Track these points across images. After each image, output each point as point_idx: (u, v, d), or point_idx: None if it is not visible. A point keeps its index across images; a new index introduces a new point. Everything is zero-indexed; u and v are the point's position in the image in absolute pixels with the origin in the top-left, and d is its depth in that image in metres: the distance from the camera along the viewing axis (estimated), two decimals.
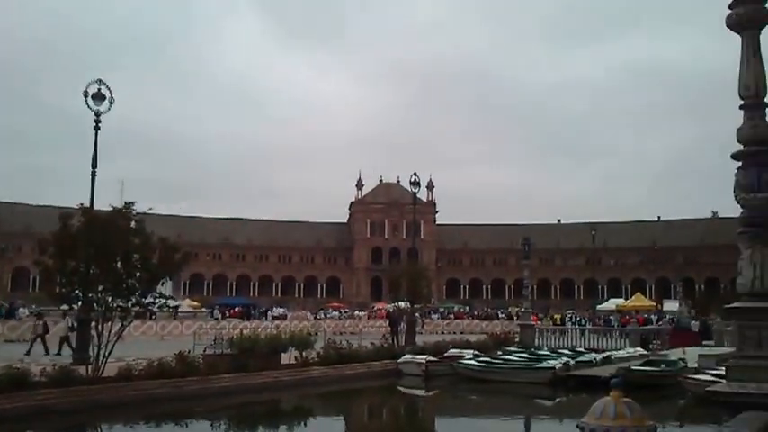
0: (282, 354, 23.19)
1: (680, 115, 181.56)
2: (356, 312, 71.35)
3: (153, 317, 38.75)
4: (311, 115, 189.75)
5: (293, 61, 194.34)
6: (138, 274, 18.20)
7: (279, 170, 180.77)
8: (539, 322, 44.63)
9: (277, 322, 48.80)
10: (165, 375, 18.67)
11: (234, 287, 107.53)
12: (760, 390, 5.01)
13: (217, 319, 53.23)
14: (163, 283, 19.76)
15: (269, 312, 67.86)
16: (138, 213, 18.85)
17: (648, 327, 39.22)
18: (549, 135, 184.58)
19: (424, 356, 26.09)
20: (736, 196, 5.41)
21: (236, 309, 70.69)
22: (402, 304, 36.50)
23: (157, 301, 19.49)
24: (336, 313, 69.94)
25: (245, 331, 27.23)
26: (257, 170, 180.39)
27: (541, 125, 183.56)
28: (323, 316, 65.26)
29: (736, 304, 5.34)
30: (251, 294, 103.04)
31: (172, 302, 32.96)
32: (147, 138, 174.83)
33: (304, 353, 23.64)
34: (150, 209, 19.51)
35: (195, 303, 65.04)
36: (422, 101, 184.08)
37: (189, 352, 20.74)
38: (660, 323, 47.02)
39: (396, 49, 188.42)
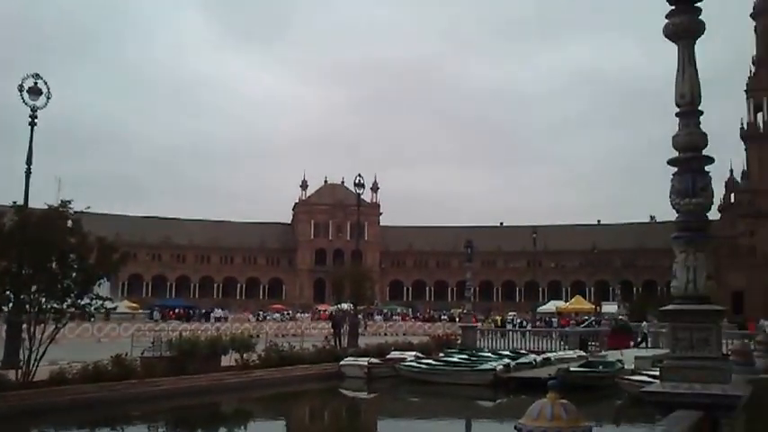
0: (223, 356, 22.89)
1: (620, 121, 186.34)
2: (299, 314, 70.96)
3: (92, 318, 37.81)
4: (255, 114, 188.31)
5: (237, 59, 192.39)
6: (73, 274, 17.69)
7: (221, 169, 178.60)
8: (479, 324, 45.15)
9: (218, 324, 48.16)
10: (100, 379, 18.18)
11: (174, 288, 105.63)
12: (691, 390, 5.15)
13: (156, 320, 52.22)
14: (100, 284, 19.26)
15: (211, 314, 66.96)
16: (74, 212, 18.34)
17: (587, 329, 40.01)
18: (493, 138, 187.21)
19: (367, 359, 26.09)
20: (671, 201, 5.55)
21: (177, 310, 69.50)
22: (345, 306, 36.46)
23: (94, 302, 18.97)
24: (279, 315, 69.42)
25: (184, 333, 26.79)
26: (199, 169, 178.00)
27: (485, 128, 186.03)
28: (265, 318, 64.68)
29: (669, 307, 5.48)
30: (191, 296, 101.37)
31: (109, 304, 32.01)
32: (87, 135, 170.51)
33: (245, 355, 23.35)
34: (87, 207, 19.02)
35: (134, 305, 63.73)
36: (367, 101, 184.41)
37: (126, 355, 20.26)
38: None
39: (340, 48, 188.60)
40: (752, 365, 7.71)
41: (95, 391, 17.74)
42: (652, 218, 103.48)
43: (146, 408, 18.70)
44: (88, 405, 17.35)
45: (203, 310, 72.60)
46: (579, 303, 66.82)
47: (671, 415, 5.01)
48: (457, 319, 57.64)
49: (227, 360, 23.04)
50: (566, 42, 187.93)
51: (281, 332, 44.65)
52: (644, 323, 38.77)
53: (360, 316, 38.65)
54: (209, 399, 20.81)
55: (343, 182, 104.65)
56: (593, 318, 54.22)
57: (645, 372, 19.83)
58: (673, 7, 5.57)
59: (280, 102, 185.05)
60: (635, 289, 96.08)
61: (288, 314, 71.99)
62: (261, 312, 72.25)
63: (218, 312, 69.43)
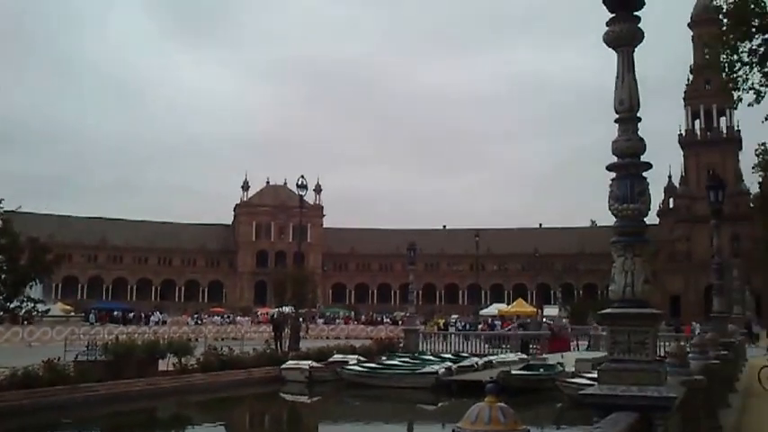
0: (161, 360, 22.41)
1: (563, 126, 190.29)
2: (239, 317, 70.09)
3: (25, 322, 36.51)
4: (196, 113, 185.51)
5: (178, 57, 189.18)
6: (2, 276, 17.09)
7: (160, 169, 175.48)
8: (422, 327, 45.29)
9: (155, 327, 47.13)
10: (31, 385, 17.56)
11: (110, 290, 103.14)
12: (628, 392, 5.22)
13: (92, 324, 50.79)
14: (32, 285, 18.68)
15: (151, 317, 65.59)
16: (5, 212, 17.73)
17: (528, 332, 40.58)
18: (437, 141, 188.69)
19: (308, 362, 25.89)
20: (610, 206, 5.61)
21: (116, 313, 67.84)
22: (286, 309, 36.14)
23: (25, 305, 18.36)
24: (219, 318, 68.42)
25: (121, 337, 26.13)
26: (137, 168, 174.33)
27: (429, 131, 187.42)
28: (204, 321, 63.67)
29: (608, 310, 5.54)
30: (128, 298, 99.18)
31: (41, 306, 30.94)
32: (21, 133, 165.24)
33: (183, 359, 22.92)
34: (19, 207, 18.43)
35: (68, 307, 61.84)
36: (311, 102, 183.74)
37: (59, 359, 19.62)
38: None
39: (285, 47, 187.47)
40: (687, 367, 7.89)
41: (25, 397, 17.12)
42: (593, 222, 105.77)
43: (79, 414, 18.15)
44: (17, 413, 16.72)
45: (142, 313, 71.02)
46: (521, 306, 67.79)
47: (608, 417, 5.08)
48: (399, 323, 57.76)
49: (166, 364, 22.56)
50: (508, 48, 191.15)
51: (221, 336, 43.98)
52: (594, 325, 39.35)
53: (301, 319, 38.35)
54: (147, 404, 20.35)
55: (285, 183, 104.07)
56: (516, 322, 55.15)
57: (585, 374, 20.16)
58: (612, 15, 5.64)
59: (222, 100, 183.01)
60: (576, 292, 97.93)
61: (228, 317, 71.03)
62: (200, 315, 71.10)
63: (157, 315, 68.06)
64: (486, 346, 34.57)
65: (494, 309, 71.93)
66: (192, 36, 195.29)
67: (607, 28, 5.60)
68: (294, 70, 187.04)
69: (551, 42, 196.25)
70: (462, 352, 31.96)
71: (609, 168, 5.56)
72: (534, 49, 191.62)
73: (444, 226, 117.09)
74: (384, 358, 28.39)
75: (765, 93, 16.92)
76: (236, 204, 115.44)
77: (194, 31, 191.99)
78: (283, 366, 25.64)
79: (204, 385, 22.56)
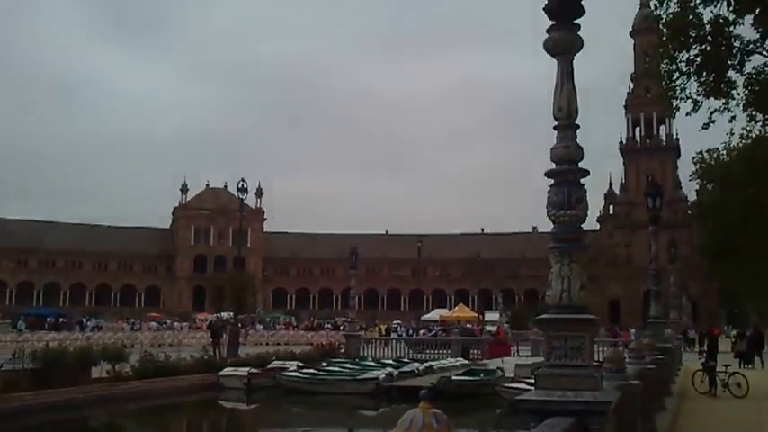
0: (94, 367, 21.73)
1: (505, 132, 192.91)
2: (176, 323, 68.74)
3: None
4: (132, 113, 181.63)
5: (112, 56, 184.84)
6: None
7: (95, 170, 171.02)
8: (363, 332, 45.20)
9: (89, 334, 45.83)
10: None
11: (41, 296, 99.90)
12: (564, 397, 5.24)
13: (20, 330, 49.03)
14: None
15: (87, 323, 63.79)
16: None
17: (469, 337, 40.89)
18: (379, 145, 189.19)
19: (247, 369, 25.49)
20: (548, 212, 5.64)
21: (49, 319, 65.65)
22: (225, 314, 35.61)
23: None
24: (155, 324, 66.97)
25: (51, 344, 25.28)
26: (70, 169, 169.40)
27: (371, 135, 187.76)
28: (140, 327, 62.23)
29: (545, 316, 5.57)
30: (61, 304, 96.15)
31: None
32: None
33: (117, 366, 22.26)
34: None
35: None
36: (252, 104, 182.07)
37: None
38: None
39: (227, 48, 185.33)
40: (623, 372, 8.01)
41: None
42: (534, 228, 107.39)
43: (4, 426, 17.42)
44: None
45: (75, 319, 68.99)
46: (463, 312, 68.31)
47: (543, 422, 5.10)
48: (341, 328, 57.55)
49: (99, 371, 21.90)
50: (451, 51, 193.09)
51: (158, 342, 43.05)
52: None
53: (240, 325, 37.82)
54: (78, 413, 19.68)
55: (225, 186, 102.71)
56: (439, 328, 55.73)
57: (524, 379, 20.35)
58: (552, 23, 5.68)
59: (160, 101, 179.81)
60: (517, 297, 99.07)
61: (165, 323, 69.59)
62: (136, 321, 69.48)
63: (92, 321, 66.24)
64: (428, 351, 34.63)
65: (435, 314, 72.32)
66: (128, 34, 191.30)
67: (547, 35, 5.66)
68: (235, 72, 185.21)
69: (494, 47, 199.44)
70: (403, 357, 31.98)
71: (547, 175, 5.60)
72: (477, 54, 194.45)
73: (387, 231, 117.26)
74: (324, 364, 28.17)
75: (702, 102, 17.44)
76: (175, 207, 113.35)
77: (131, 29, 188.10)
78: (221, 373, 25.18)
79: (139, 393, 21.96)
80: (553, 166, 5.63)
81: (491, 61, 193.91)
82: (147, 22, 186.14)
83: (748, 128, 28.71)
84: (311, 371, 26.18)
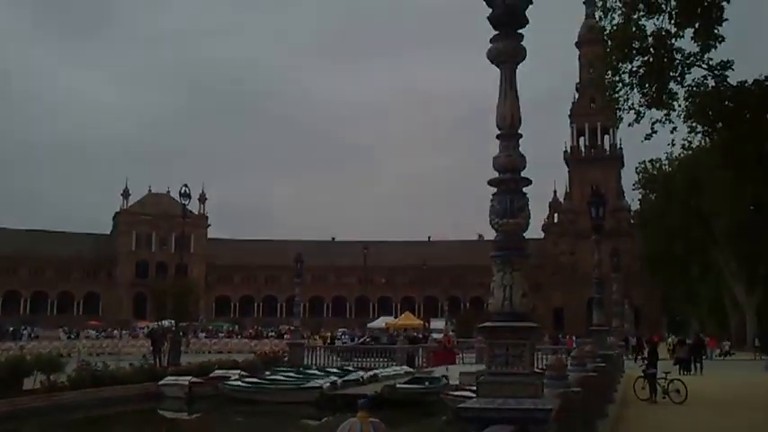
0: (27, 378, 21.00)
1: (451, 140, 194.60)
2: (116, 331, 67.12)
3: None
4: (73, 115, 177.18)
5: (54, 57, 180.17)
6: None
7: (31, 173, 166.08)
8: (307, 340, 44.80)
9: (23, 343, 44.35)
10: None
11: None
12: (505, 404, 5.26)
13: None
14: None
15: (23, 333, 61.73)
16: None
17: (415, 344, 40.94)
18: (326, 151, 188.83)
19: (188, 378, 25.01)
20: (490, 221, 5.66)
21: None
22: (166, 322, 34.90)
23: None
24: (94, 332, 65.26)
25: None
26: (5, 172, 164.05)
27: (318, 141, 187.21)
28: (78, 335, 60.56)
29: (486, 323, 5.58)
30: None
31: None
32: None
33: (52, 376, 21.56)
34: None
35: None
36: (197, 109, 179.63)
37: None
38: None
39: (170, 51, 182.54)
40: (565, 379, 8.09)
41: None
42: (480, 236, 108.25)
43: None
44: None
45: (10, 328, 66.67)
46: (409, 319, 68.43)
47: (485, 430, 5.11)
48: (285, 336, 57.02)
49: (32, 382, 21.17)
50: (398, 60, 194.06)
51: (96, 350, 41.94)
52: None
53: (182, 333, 37.11)
54: (9, 426, 18.96)
55: (168, 191, 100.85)
56: (368, 336, 55.94)
57: (468, 387, 20.44)
58: (497, 32, 5.72)
59: (103, 104, 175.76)
60: (463, 305, 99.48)
61: (104, 331, 67.88)
62: (74, 329, 67.59)
63: (27, 330, 64.19)
64: (373, 359, 34.51)
65: (381, 321, 72.31)
66: (72, 37, 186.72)
67: (491, 44, 5.69)
68: (178, 76, 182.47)
69: (442, 56, 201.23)
70: (348, 365, 31.81)
71: (490, 183, 5.63)
72: (424, 63, 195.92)
73: (333, 238, 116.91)
74: (268, 373, 27.83)
75: (645, 113, 17.86)
76: (116, 213, 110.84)
77: (75, 32, 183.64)
78: (162, 382, 24.64)
79: (75, 403, 21.31)
80: (496, 174, 5.66)
81: (440, 69, 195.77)
82: (91, 24, 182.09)
83: (689, 138, 29.66)
84: (254, 380, 25.84)
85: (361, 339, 51.29)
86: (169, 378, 24.99)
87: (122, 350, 39.34)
